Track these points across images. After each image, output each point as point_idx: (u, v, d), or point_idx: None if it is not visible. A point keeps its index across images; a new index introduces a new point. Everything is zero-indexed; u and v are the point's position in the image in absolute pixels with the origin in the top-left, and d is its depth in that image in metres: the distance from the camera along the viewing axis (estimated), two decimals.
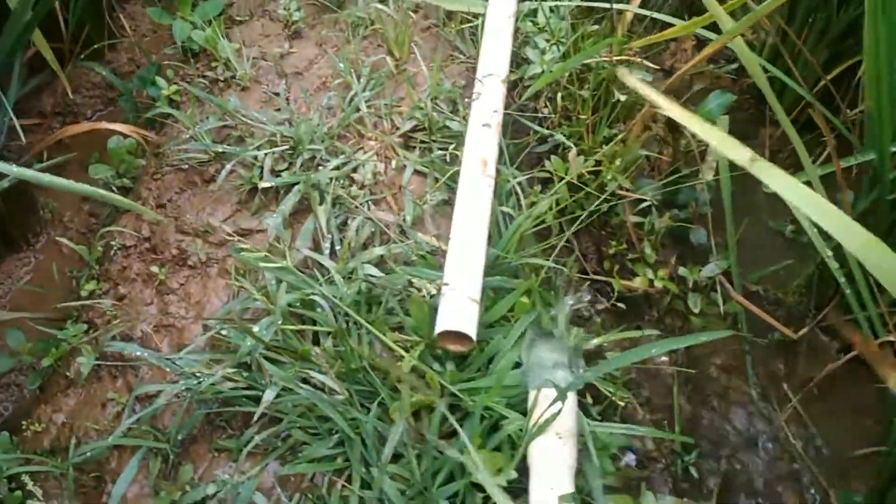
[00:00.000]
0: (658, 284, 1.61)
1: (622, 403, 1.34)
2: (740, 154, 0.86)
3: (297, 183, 1.59)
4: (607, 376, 1.38)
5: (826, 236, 1.40)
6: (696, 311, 1.60)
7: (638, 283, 1.61)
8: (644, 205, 1.65)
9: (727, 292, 1.62)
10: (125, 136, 1.85)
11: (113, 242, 1.66)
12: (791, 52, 1.80)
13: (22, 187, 1.78)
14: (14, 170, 1.26)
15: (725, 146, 0.88)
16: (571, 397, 1.21)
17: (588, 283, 1.58)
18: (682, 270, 1.62)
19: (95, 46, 2.15)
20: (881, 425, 1.44)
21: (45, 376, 1.53)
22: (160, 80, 1.93)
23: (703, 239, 1.71)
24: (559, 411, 1.17)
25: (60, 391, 1.48)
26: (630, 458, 1.28)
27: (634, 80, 1.32)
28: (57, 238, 1.76)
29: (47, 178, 1.28)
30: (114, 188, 1.85)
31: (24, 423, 1.43)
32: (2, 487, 1.31)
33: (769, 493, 1.39)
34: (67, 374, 1.48)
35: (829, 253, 1.40)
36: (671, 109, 1.08)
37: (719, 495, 1.40)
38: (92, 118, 2.16)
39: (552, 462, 1.14)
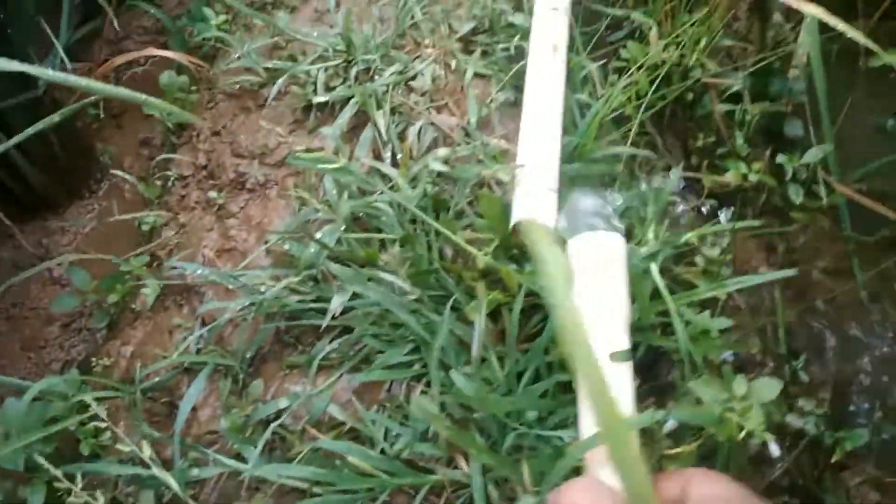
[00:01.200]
0: (752, 178, 1.45)
1: (723, 296, 1.20)
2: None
3: (353, 95, 1.50)
4: (705, 271, 1.24)
5: None
6: (798, 202, 1.44)
7: (730, 177, 1.45)
8: (732, 90, 1.49)
9: (829, 184, 1.45)
10: (178, 70, 1.79)
11: (170, 173, 1.61)
12: None
13: (74, 131, 1.74)
14: (81, 81, 1.20)
15: None
16: (616, 241, 1.06)
17: (674, 177, 1.43)
18: (780, 158, 1.45)
19: None
20: None
21: (112, 314, 1.49)
22: (208, 12, 1.86)
23: (800, 130, 1.54)
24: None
25: (128, 325, 1.43)
26: (727, 356, 1.15)
27: None
28: (115, 178, 1.70)
29: (112, 88, 1.21)
30: (169, 126, 1.79)
31: (92, 359, 1.39)
32: (73, 420, 1.27)
33: (886, 393, 1.24)
34: (134, 307, 1.43)
35: None
36: None
37: (832, 399, 1.25)
38: (145, 63, 2.11)
39: (601, 312, 1.00)
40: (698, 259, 1.28)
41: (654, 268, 1.08)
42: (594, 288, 1.01)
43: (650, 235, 1.20)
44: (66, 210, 1.82)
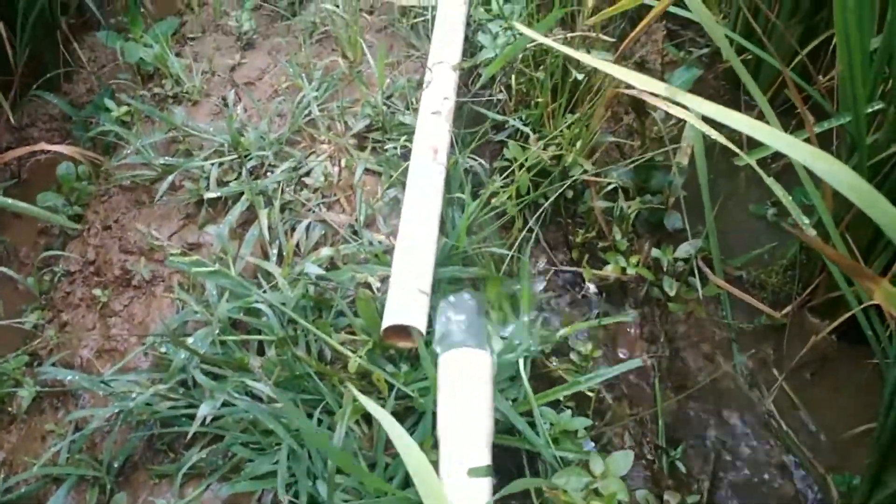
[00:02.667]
0: (631, 272, 1.51)
1: (591, 394, 1.23)
2: (656, 86, 0.77)
3: (244, 192, 1.52)
4: (577, 367, 1.28)
5: (808, 211, 1.32)
6: (672, 293, 1.50)
7: (610, 270, 1.51)
8: (610, 187, 1.56)
9: (707, 276, 1.52)
10: (75, 161, 1.78)
11: (57, 269, 1.59)
12: (764, 28, 1.72)
13: None
14: None
15: (639, 80, 0.79)
16: (482, 359, 1.10)
17: (554, 272, 1.48)
18: (655, 252, 1.52)
19: (49, 76, 2.09)
20: (873, 406, 1.33)
21: None
22: (110, 103, 1.87)
23: (679, 223, 1.62)
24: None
25: (3, 428, 1.39)
26: (589, 446, 1.17)
27: (592, 59, 1.23)
28: (3, 270, 1.67)
29: None
30: (65, 217, 1.78)
31: None
32: None
33: (762, 483, 1.28)
34: (10, 409, 1.39)
35: (806, 220, 1.30)
36: (629, 76, 0.99)
37: (710, 490, 1.28)
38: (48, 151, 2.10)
39: (461, 433, 1.02)
40: (573, 355, 1.32)
41: (523, 373, 1.11)
42: (459, 403, 1.04)
43: (521, 335, 1.23)
44: None
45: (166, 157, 1.63)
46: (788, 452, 1.32)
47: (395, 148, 1.57)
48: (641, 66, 2.12)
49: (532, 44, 1.52)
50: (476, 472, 0.96)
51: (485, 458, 0.99)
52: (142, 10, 2.21)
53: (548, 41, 0.98)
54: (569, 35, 1.50)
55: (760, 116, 1.73)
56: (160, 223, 1.55)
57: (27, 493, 1.21)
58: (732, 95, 2.01)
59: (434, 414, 1.07)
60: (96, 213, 1.65)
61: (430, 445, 1.07)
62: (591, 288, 1.53)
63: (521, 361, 1.06)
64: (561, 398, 1.17)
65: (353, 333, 1.26)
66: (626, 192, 1.59)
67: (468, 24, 1.74)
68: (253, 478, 1.12)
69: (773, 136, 0.76)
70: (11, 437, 1.36)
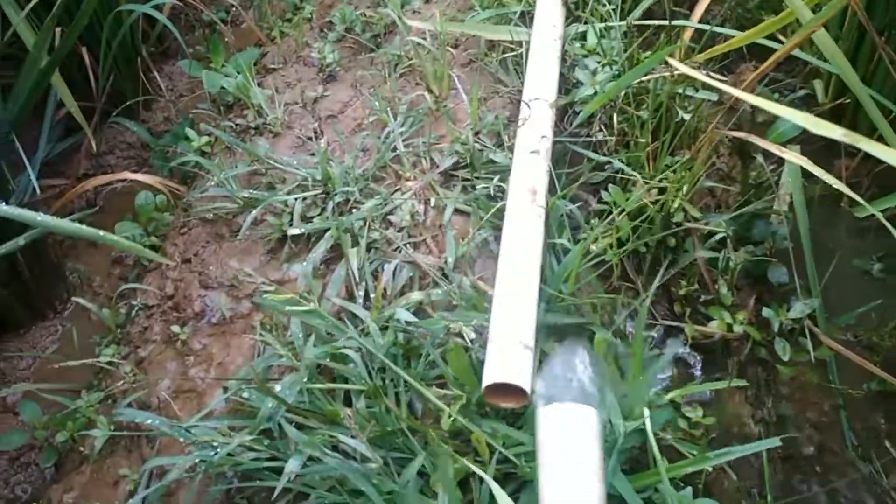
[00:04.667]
0: (737, 329, 1.39)
1: (710, 469, 1.12)
2: (831, 130, 0.68)
3: (329, 228, 1.46)
4: (686, 435, 1.17)
5: None
6: (786, 358, 1.38)
7: (714, 327, 1.40)
8: (715, 238, 1.46)
9: (816, 337, 1.40)
10: (154, 191, 1.76)
11: (135, 303, 1.54)
12: (865, 69, 1.61)
13: (42, 250, 1.69)
14: (34, 217, 1.15)
15: (812, 124, 0.70)
16: (589, 415, 0.98)
17: (657, 328, 1.38)
18: (766, 312, 1.40)
19: (129, 104, 2.09)
20: None
21: (60, 453, 1.40)
22: (191, 133, 1.85)
23: (784, 277, 1.49)
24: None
25: (74, 469, 1.34)
26: None
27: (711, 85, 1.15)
28: (78, 301, 1.64)
29: (63, 223, 1.18)
30: (145, 248, 1.74)
31: None
32: None
33: None
34: (83, 449, 1.34)
35: None
36: (752, 100, 0.90)
37: None
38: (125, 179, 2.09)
39: (568, 499, 0.91)
40: (681, 422, 1.21)
41: (651, 439, 1.00)
42: (563, 464, 0.94)
43: (639, 397, 1.13)
44: (27, 331, 1.74)
45: (249, 190, 1.59)
46: None
47: (486, 187, 1.49)
48: (732, 109, 2.02)
49: (636, 81, 1.44)
50: None
51: None
52: (223, 39, 2.20)
53: (701, 76, 0.89)
54: (675, 71, 1.41)
55: (861, 166, 1.63)
56: (241, 258, 1.49)
57: None
58: (828, 142, 1.89)
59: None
60: (175, 246, 1.61)
61: None
62: (683, 348, 1.42)
63: (648, 425, 0.95)
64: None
65: (443, 387, 1.18)
66: (730, 243, 1.48)
67: (562, 60, 1.67)
68: None
69: None
70: (83, 479, 1.31)
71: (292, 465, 1.07)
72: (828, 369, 1.40)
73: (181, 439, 1.18)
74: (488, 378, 1.07)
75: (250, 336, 1.35)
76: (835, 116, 1.81)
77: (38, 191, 1.58)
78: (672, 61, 1.02)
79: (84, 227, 1.12)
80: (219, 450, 1.11)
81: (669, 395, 1.19)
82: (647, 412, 1.01)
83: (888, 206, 1.42)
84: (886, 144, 1.22)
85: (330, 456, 1.06)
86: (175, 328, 1.42)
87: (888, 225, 1.17)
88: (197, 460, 1.12)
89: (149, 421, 1.21)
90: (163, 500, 1.17)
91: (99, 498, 1.23)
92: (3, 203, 1.10)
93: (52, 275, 1.76)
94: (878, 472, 1.29)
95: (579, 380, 1.04)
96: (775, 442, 1.07)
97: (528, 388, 1.07)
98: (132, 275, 1.77)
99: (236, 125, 1.83)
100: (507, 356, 1.09)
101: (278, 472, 1.10)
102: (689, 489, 1.03)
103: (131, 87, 2.14)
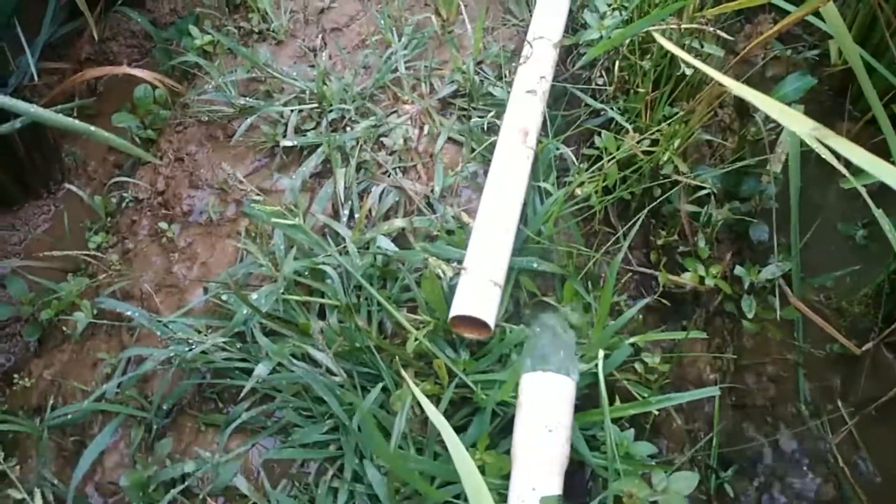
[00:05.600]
0: (709, 282, 1.43)
1: (656, 412, 1.17)
2: (801, 125, 0.69)
3: (321, 144, 1.47)
4: (642, 379, 1.22)
5: None
6: (750, 315, 1.42)
7: (687, 278, 1.43)
8: (701, 193, 1.48)
9: (786, 296, 1.44)
10: (153, 85, 1.76)
11: (125, 195, 1.57)
12: (880, 39, 1.59)
13: (40, 131, 1.70)
14: (27, 108, 1.16)
15: (785, 116, 0.71)
16: (566, 386, 1.06)
17: (630, 274, 1.42)
18: (738, 270, 1.44)
19: None
20: None
21: (44, 329, 1.45)
22: (194, 31, 1.83)
23: (764, 236, 1.53)
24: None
25: (56, 347, 1.39)
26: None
27: (693, 60, 1.15)
28: (70, 187, 1.66)
29: (52, 115, 1.19)
30: (137, 139, 1.76)
31: (15, 376, 1.35)
32: None
33: None
34: (65, 329, 1.39)
35: None
36: (737, 88, 0.91)
37: None
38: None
39: (536, 458, 0.99)
40: (638, 365, 1.26)
41: (604, 393, 1.05)
42: (539, 428, 1.01)
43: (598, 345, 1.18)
44: (20, 208, 1.77)
45: (246, 98, 1.59)
46: (839, 489, 1.27)
47: (482, 120, 1.50)
48: (744, 61, 2.00)
49: (643, 30, 1.43)
50: (548, 501, 0.93)
51: (557, 487, 0.97)
52: None
53: (684, 55, 0.89)
54: (682, 26, 1.40)
55: (863, 132, 1.64)
56: (233, 164, 1.51)
57: (74, 420, 1.22)
58: (835, 103, 1.89)
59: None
60: (169, 143, 1.63)
61: (485, 446, 1.03)
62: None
63: (602, 384, 1.00)
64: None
65: (415, 311, 1.22)
66: (717, 198, 1.51)
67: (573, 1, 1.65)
68: (300, 445, 1.10)
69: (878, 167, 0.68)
70: (63, 358, 1.36)
71: (261, 370, 1.12)
72: (793, 328, 1.44)
73: (159, 333, 1.23)
74: (456, 309, 1.12)
75: (234, 241, 1.39)
76: (844, 79, 1.80)
77: (35, 76, 1.58)
78: (658, 38, 1.01)
79: (74, 121, 1.13)
80: (194, 346, 1.16)
81: (631, 340, 1.24)
82: (600, 354, 1.06)
83: (872, 181, 1.43)
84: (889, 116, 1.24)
85: (297, 365, 1.11)
86: (163, 224, 1.45)
87: (868, 199, 1.19)
88: (172, 354, 1.18)
89: (129, 312, 1.26)
90: (137, 386, 1.22)
91: (77, 377, 1.28)
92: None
93: (48, 156, 1.78)
94: (826, 428, 1.35)
95: (562, 349, 1.10)
96: (715, 391, 1.12)
97: (491, 323, 1.12)
98: (127, 165, 1.79)
99: (240, 28, 1.81)
100: (477, 291, 1.13)
101: (248, 373, 1.16)
102: (632, 430, 1.08)
103: None
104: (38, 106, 1.13)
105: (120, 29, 2.11)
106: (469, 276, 1.14)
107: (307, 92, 1.58)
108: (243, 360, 1.18)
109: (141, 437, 1.17)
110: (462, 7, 1.71)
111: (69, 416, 1.21)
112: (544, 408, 1.02)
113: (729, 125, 1.71)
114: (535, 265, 1.23)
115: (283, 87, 1.63)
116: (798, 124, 0.66)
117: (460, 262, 1.19)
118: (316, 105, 1.55)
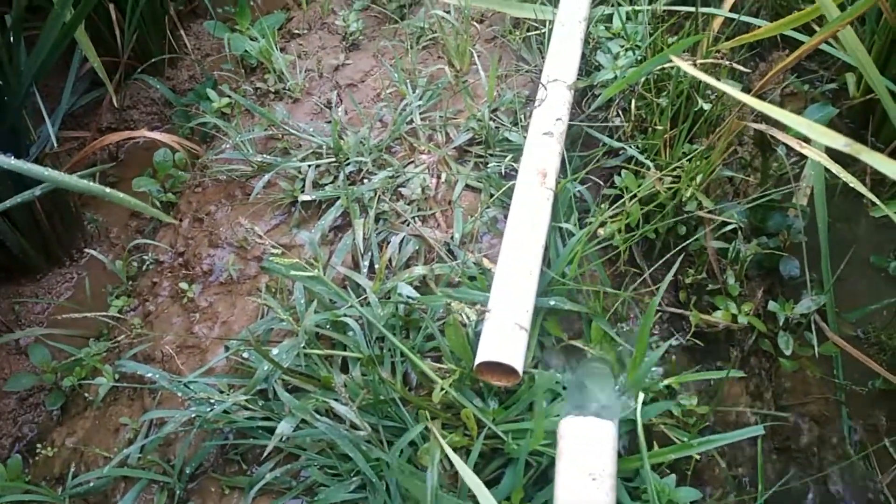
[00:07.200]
0: (742, 320, 1.38)
1: (697, 457, 1.12)
2: (834, 140, 0.67)
3: (339, 197, 1.47)
4: (679, 422, 1.17)
5: None
6: (788, 352, 1.37)
7: (719, 317, 1.39)
8: (727, 228, 1.44)
9: (822, 332, 1.39)
10: (173, 149, 1.78)
11: (146, 257, 1.57)
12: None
13: (62, 199, 1.72)
14: (42, 171, 1.17)
15: (815, 132, 0.68)
16: (610, 431, 1.01)
17: (659, 315, 1.38)
18: (772, 305, 1.39)
19: (154, 61, 2.10)
20: None
21: (67, 397, 1.44)
22: (212, 94, 1.86)
23: (796, 271, 1.48)
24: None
25: (79, 413, 1.38)
26: None
27: (722, 85, 1.13)
28: (92, 252, 1.67)
29: (67, 178, 1.19)
30: (157, 203, 1.77)
31: (37, 446, 1.33)
32: None
33: None
34: (87, 395, 1.37)
35: None
36: (762, 106, 0.89)
37: None
38: None
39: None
40: (675, 408, 1.21)
41: (642, 439, 1.00)
42: (580, 475, 0.96)
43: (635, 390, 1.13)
44: (43, 276, 1.78)
45: (264, 155, 1.60)
46: None
47: (499, 165, 1.49)
48: (759, 97, 1.99)
49: (657, 68, 1.42)
50: None
51: None
52: (250, 2, 2.20)
53: (706, 77, 0.88)
54: (698, 61, 1.39)
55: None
56: (252, 221, 1.51)
57: (95, 488, 1.19)
58: (856, 137, 1.86)
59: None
60: (189, 204, 1.63)
61: (520, 499, 0.99)
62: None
63: (640, 427, 0.95)
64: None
65: (439, 360, 1.19)
66: (743, 233, 1.47)
67: (585, 42, 1.65)
68: None
69: None
70: (85, 424, 1.34)
71: (284, 427, 1.09)
72: (832, 365, 1.39)
73: (180, 394, 1.20)
74: (482, 356, 1.08)
75: (255, 298, 1.37)
76: (865, 111, 1.78)
77: (55, 143, 1.60)
78: (678, 61, 1.00)
79: (90, 182, 1.13)
80: (215, 406, 1.14)
81: (665, 382, 1.19)
82: (640, 397, 1.02)
83: None
84: None
85: (321, 421, 1.08)
86: (183, 284, 1.44)
87: None
88: (194, 415, 1.15)
89: (150, 374, 1.24)
90: (160, 450, 1.20)
91: (99, 443, 1.26)
92: (14, 156, 1.12)
93: (70, 224, 1.79)
94: (875, 468, 1.29)
95: (601, 393, 1.06)
96: (759, 430, 1.07)
97: (519, 368, 1.08)
98: (148, 228, 1.80)
99: (257, 89, 1.84)
100: (502, 336, 1.10)
101: (271, 431, 1.13)
102: (673, 476, 1.03)
103: (157, 44, 2.15)
104: (61, 172, 1.14)
105: (140, 97, 2.16)
106: (493, 321, 1.11)
107: (324, 147, 1.58)
108: (266, 418, 1.15)
109: (164, 503, 1.13)
110: (475, 56, 1.72)
111: (91, 484, 1.18)
112: (587, 455, 0.97)
113: (750, 162, 1.69)
114: (560, 304, 1.20)
115: (300, 143, 1.64)
116: (830, 139, 0.64)
117: (484, 305, 1.16)
118: (333, 159, 1.55)
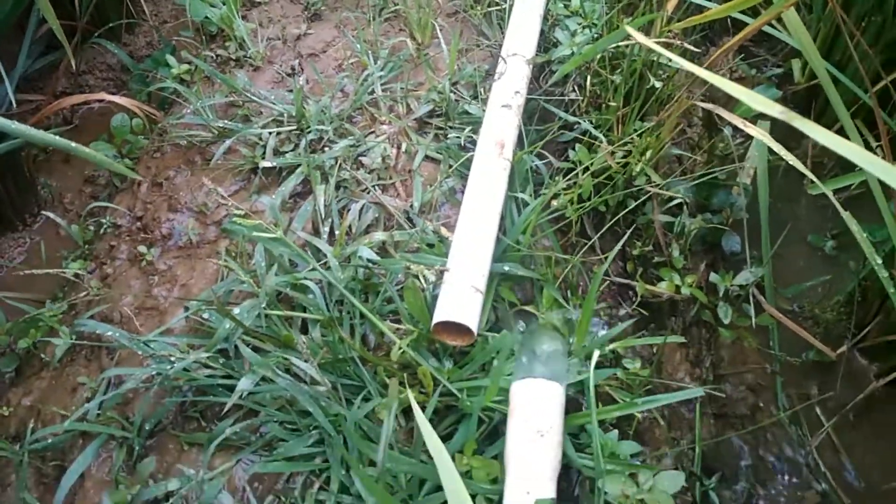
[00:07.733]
0: (685, 291, 1.45)
1: (640, 416, 1.18)
2: (771, 108, 0.71)
3: (300, 164, 1.48)
4: (623, 385, 1.23)
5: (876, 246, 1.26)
6: (727, 321, 1.45)
7: (663, 288, 1.46)
8: (674, 203, 1.51)
9: (760, 304, 1.47)
10: (131, 114, 1.77)
11: (104, 221, 1.57)
12: (842, 54, 1.65)
13: (17, 164, 1.70)
14: (10, 125, 1.16)
15: (754, 100, 0.73)
16: (556, 392, 1.07)
17: (607, 283, 1.44)
18: (713, 277, 1.46)
19: (111, 25, 2.07)
20: None
21: (21, 358, 1.43)
22: (171, 60, 1.85)
23: (737, 246, 1.56)
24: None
25: (35, 374, 1.37)
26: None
27: (675, 56, 1.18)
28: (49, 215, 1.65)
29: (37, 132, 1.19)
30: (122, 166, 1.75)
31: None
32: None
33: None
34: (43, 356, 1.37)
35: (879, 260, 1.24)
36: (711, 77, 0.93)
37: None
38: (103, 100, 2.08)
39: (529, 462, 1.00)
40: (619, 371, 1.27)
41: (592, 398, 1.06)
42: (531, 434, 1.01)
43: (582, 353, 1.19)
44: None
45: (224, 121, 1.61)
46: (824, 496, 1.28)
47: (458, 137, 1.53)
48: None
49: (612, 45, 1.47)
50: None
51: (551, 491, 0.97)
52: None
53: (662, 50, 0.92)
54: (653, 40, 1.44)
55: (827, 149, 1.68)
56: (212, 187, 1.51)
57: (54, 445, 1.20)
58: (803, 114, 1.94)
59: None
60: (148, 169, 1.63)
61: (472, 451, 1.03)
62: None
63: (591, 384, 1.01)
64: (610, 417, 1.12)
65: (398, 322, 1.23)
66: (689, 208, 1.54)
67: (544, 19, 1.69)
68: (285, 458, 1.09)
69: (848, 148, 0.70)
70: (42, 384, 1.34)
71: (244, 384, 1.12)
72: (769, 337, 1.47)
73: (140, 353, 1.22)
74: (439, 315, 1.12)
75: (215, 261, 1.39)
76: (809, 97, 1.86)
77: (14, 104, 1.58)
78: (632, 32, 1.05)
79: (57, 137, 1.14)
80: (175, 364, 1.15)
81: (611, 346, 1.25)
82: (595, 356, 1.07)
83: (840, 186, 1.48)
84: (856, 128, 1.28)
85: (281, 377, 1.11)
86: (142, 248, 1.45)
87: (837, 205, 1.22)
88: (154, 373, 1.17)
89: (109, 333, 1.25)
90: (118, 408, 1.21)
91: (56, 403, 1.26)
92: None
93: (24, 188, 1.77)
94: (806, 435, 1.37)
95: (551, 356, 1.11)
96: (699, 392, 1.14)
97: (475, 328, 1.13)
98: (103, 194, 1.79)
99: (217, 56, 1.84)
100: (459, 297, 1.14)
101: (231, 389, 1.15)
102: (615, 432, 1.09)
103: (115, 8, 2.12)
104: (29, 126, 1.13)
105: (96, 62, 2.13)
106: (450, 283, 1.15)
107: (285, 115, 1.60)
108: (226, 376, 1.17)
109: (123, 458, 1.15)
110: (437, 30, 1.75)
111: (49, 441, 1.19)
112: (536, 414, 1.03)
113: (697, 143, 1.76)
114: (514, 270, 1.25)
115: (261, 110, 1.65)
116: (767, 107, 0.69)
117: (438, 268, 1.21)
118: (294, 127, 1.57)
